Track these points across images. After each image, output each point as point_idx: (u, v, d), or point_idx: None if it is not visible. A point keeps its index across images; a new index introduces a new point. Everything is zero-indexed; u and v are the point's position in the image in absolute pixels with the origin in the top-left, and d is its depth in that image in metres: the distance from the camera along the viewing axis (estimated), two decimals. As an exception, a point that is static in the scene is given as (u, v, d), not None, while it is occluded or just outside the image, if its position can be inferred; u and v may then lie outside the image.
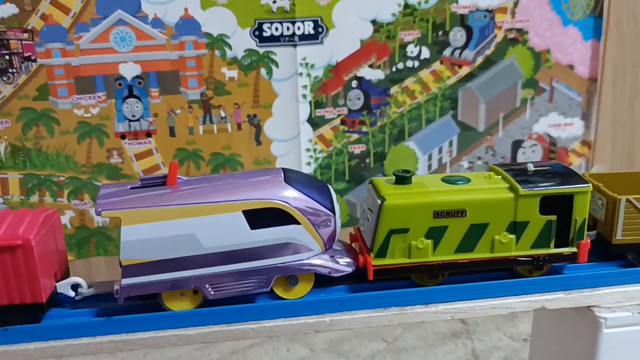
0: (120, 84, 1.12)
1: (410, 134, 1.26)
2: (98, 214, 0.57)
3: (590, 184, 0.63)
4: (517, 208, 0.62)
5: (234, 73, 1.16)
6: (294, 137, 1.21)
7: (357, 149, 1.25)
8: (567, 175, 0.65)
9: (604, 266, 0.68)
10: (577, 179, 0.64)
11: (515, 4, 1.22)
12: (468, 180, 0.64)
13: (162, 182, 0.62)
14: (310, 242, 0.61)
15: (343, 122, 1.23)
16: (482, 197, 0.62)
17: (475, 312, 0.64)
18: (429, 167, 1.29)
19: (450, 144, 1.28)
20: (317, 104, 1.20)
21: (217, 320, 0.61)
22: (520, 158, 1.31)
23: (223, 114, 1.17)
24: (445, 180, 0.65)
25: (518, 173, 0.65)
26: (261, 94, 1.18)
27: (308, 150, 1.22)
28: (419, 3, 1.18)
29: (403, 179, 0.64)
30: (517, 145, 1.31)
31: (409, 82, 1.22)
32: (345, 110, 1.22)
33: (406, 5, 1.18)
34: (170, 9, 1.10)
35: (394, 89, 1.22)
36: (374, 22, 1.18)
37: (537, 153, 1.32)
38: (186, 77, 1.14)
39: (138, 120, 1.15)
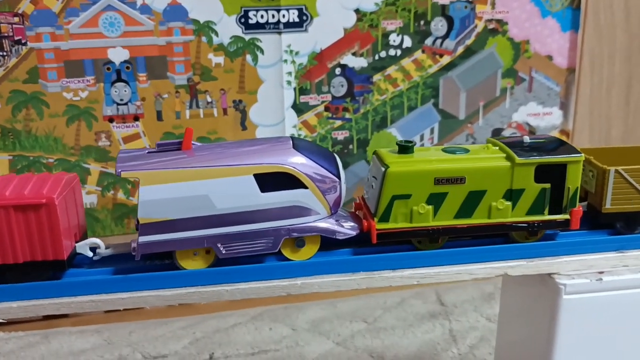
0: (108, 69, 1.15)
1: (392, 121, 1.29)
2: (118, 174, 0.61)
3: (583, 154, 0.67)
4: (513, 176, 0.66)
5: (220, 59, 1.18)
6: (278, 123, 1.24)
7: (341, 135, 1.28)
8: (561, 146, 0.69)
9: (565, 236, 0.71)
10: (570, 149, 0.68)
11: (495, -5, 1.25)
12: (467, 151, 0.69)
13: (178, 147, 0.66)
14: (317, 206, 0.65)
15: (327, 109, 1.26)
16: (480, 165, 0.66)
17: (440, 278, 0.67)
18: (411, 153, 1.32)
19: (432, 131, 1.32)
20: (301, 91, 1.23)
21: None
22: (500, 146, 1.34)
23: (209, 99, 1.20)
24: (446, 150, 0.69)
25: (515, 144, 0.69)
26: (247, 80, 1.20)
27: (292, 135, 1.25)
28: (401, -7, 1.21)
29: (406, 148, 0.68)
30: (497, 133, 1.34)
31: (391, 70, 1.26)
32: (329, 97, 1.25)
33: (389, -5, 1.21)
34: (158, -5, 1.13)
35: (376, 77, 1.25)
36: (357, 11, 1.21)
37: (517, 141, 1.35)
38: (173, 62, 1.17)
39: (126, 104, 1.17)
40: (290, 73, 1.22)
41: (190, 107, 1.20)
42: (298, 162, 0.64)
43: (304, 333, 1.17)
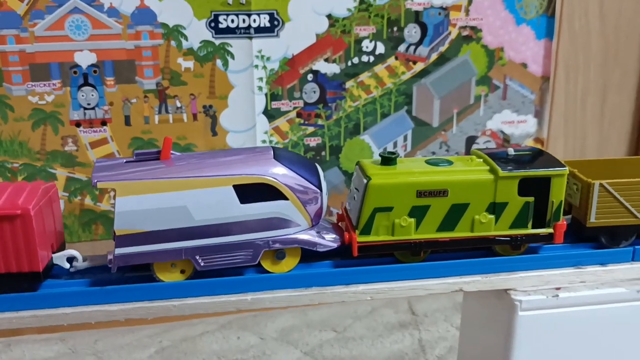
0: (75, 72, 1.13)
1: (365, 127, 1.28)
2: (94, 185, 0.60)
3: (567, 168, 0.66)
4: (496, 189, 0.65)
5: (189, 64, 1.17)
6: (249, 129, 1.23)
7: (313, 142, 1.26)
8: (546, 159, 0.68)
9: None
10: (555, 162, 0.67)
11: (469, 2, 1.24)
12: (450, 163, 0.68)
13: (156, 156, 0.65)
14: (297, 217, 0.63)
15: (299, 115, 1.24)
16: (463, 178, 0.65)
17: (394, 293, 0.66)
18: (384, 161, 1.30)
19: (405, 138, 1.30)
20: (272, 96, 1.22)
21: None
22: (474, 154, 1.33)
23: (179, 104, 1.18)
24: (429, 162, 0.68)
25: (499, 157, 0.68)
26: (217, 85, 1.19)
27: (264, 142, 1.24)
28: (374, -1, 1.20)
29: (388, 160, 0.67)
30: (471, 141, 1.33)
31: (364, 76, 1.24)
32: (301, 103, 1.24)
33: (361, 1, 1.19)
34: (126, -2, 1.11)
35: (349, 83, 1.24)
36: (329, 16, 1.20)
37: (491, 149, 1.34)
38: (142, 66, 1.15)
39: (93, 108, 1.15)
40: (261, 78, 1.20)
41: (159, 112, 1.18)
42: (279, 173, 0.62)
43: (272, 342, 1.15)
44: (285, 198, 0.62)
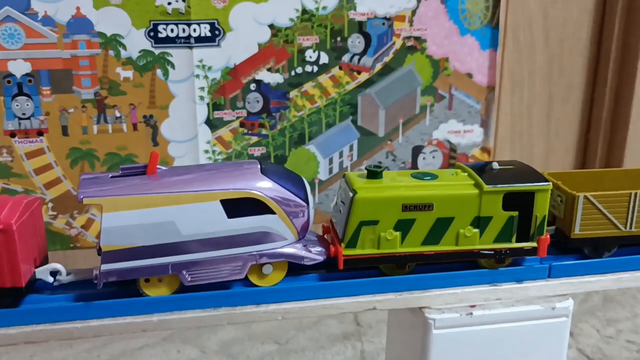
0: (9, 82, 1.11)
1: (310, 137, 1.27)
2: (80, 201, 0.59)
3: (551, 183, 0.66)
4: (481, 203, 0.66)
5: (129, 73, 1.15)
6: (191, 139, 1.21)
7: (257, 152, 1.25)
8: (530, 174, 0.69)
9: (436, 269, 0.70)
10: (538, 177, 0.68)
11: (413, 13, 1.24)
12: (436, 177, 0.68)
13: (143, 171, 0.64)
14: (284, 231, 0.63)
15: (242, 125, 1.23)
16: (448, 193, 0.65)
17: (305, 312, 0.65)
18: (330, 170, 1.30)
19: (351, 148, 1.30)
20: (215, 106, 1.21)
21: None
22: (421, 163, 1.34)
23: (118, 114, 1.17)
24: (414, 176, 0.68)
25: (483, 171, 0.68)
26: (157, 94, 1.17)
27: (207, 152, 1.23)
28: (317, 9, 1.19)
29: (374, 173, 0.67)
30: (417, 150, 1.33)
31: (308, 86, 1.24)
32: (244, 113, 1.23)
33: (304, 11, 1.19)
34: (61, 7, 1.09)
35: (293, 93, 1.23)
36: (271, 26, 1.19)
37: (438, 159, 1.35)
38: (79, 76, 1.13)
39: (29, 118, 1.13)
40: (202, 88, 1.19)
41: (98, 122, 1.16)
42: (265, 187, 0.62)
43: (213, 355, 1.14)
44: (272, 212, 0.62)
